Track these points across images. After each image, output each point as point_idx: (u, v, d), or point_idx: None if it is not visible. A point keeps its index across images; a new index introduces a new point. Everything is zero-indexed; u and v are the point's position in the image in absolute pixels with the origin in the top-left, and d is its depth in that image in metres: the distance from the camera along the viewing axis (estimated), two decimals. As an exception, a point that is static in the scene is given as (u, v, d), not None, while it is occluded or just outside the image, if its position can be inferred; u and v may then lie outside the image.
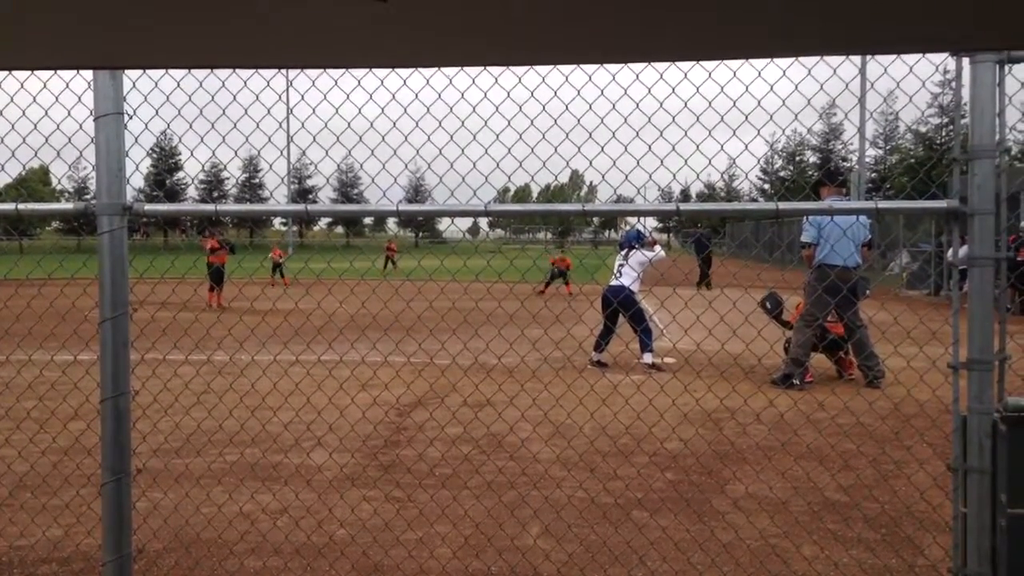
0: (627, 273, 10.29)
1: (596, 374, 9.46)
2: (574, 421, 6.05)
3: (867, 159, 45.59)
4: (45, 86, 3.41)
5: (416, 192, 70.64)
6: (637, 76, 3.17)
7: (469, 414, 6.95)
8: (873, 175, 47.52)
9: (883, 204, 3.14)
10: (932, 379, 4.65)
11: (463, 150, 3.49)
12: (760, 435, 6.45)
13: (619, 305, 9.76)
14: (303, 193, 66.28)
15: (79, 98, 3.45)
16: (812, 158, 61.64)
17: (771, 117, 3.46)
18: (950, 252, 4.48)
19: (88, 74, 3.20)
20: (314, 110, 3.83)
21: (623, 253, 10.53)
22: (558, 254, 22.49)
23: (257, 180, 70.96)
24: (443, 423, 6.76)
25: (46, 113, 3.63)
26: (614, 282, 10.36)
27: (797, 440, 6.23)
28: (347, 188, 71.65)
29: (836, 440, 6.17)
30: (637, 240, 10.52)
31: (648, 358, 10.07)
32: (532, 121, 3.47)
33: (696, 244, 27.52)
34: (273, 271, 21.73)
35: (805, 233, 9.00)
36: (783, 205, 3.10)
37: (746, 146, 3.47)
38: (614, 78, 3.26)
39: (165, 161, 61.48)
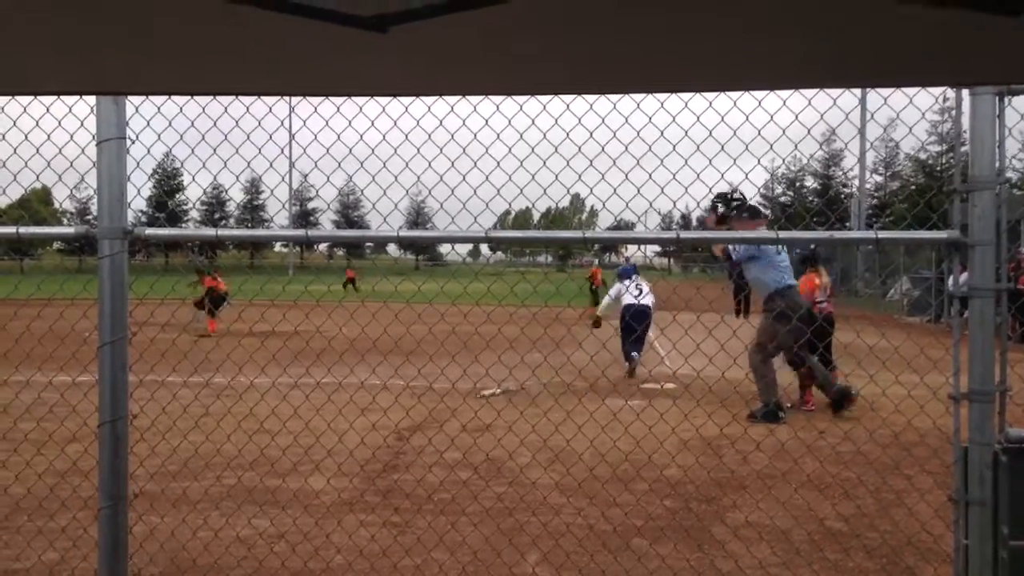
0: (644, 290, 12.74)
1: (596, 400, 9.42)
2: (573, 448, 6.02)
3: (867, 185, 45.63)
4: (48, 111, 3.43)
5: (417, 214, 70.60)
6: (638, 105, 3.19)
7: (468, 440, 6.92)
8: (874, 202, 47.61)
9: (884, 234, 3.15)
10: (933, 409, 4.63)
11: (464, 176, 3.50)
12: (760, 463, 6.42)
13: (642, 315, 12.19)
14: (304, 215, 66.41)
15: (82, 122, 3.46)
16: (813, 184, 61.90)
17: (771, 147, 3.47)
18: (950, 280, 4.47)
19: (91, 99, 3.21)
20: (316, 136, 3.84)
21: (631, 280, 13.11)
22: (591, 268, 21.99)
23: (260, 202, 71.28)
24: (442, 448, 6.73)
25: (48, 137, 3.65)
26: (642, 300, 12.65)
27: (797, 469, 6.20)
28: (348, 210, 71.81)
29: (837, 469, 6.14)
30: (635, 271, 13.51)
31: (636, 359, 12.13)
32: (533, 148, 3.49)
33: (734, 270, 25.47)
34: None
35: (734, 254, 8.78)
36: (783, 234, 3.11)
37: (746, 175, 3.49)
38: (615, 107, 3.28)
39: (167, 183, 61.65)
